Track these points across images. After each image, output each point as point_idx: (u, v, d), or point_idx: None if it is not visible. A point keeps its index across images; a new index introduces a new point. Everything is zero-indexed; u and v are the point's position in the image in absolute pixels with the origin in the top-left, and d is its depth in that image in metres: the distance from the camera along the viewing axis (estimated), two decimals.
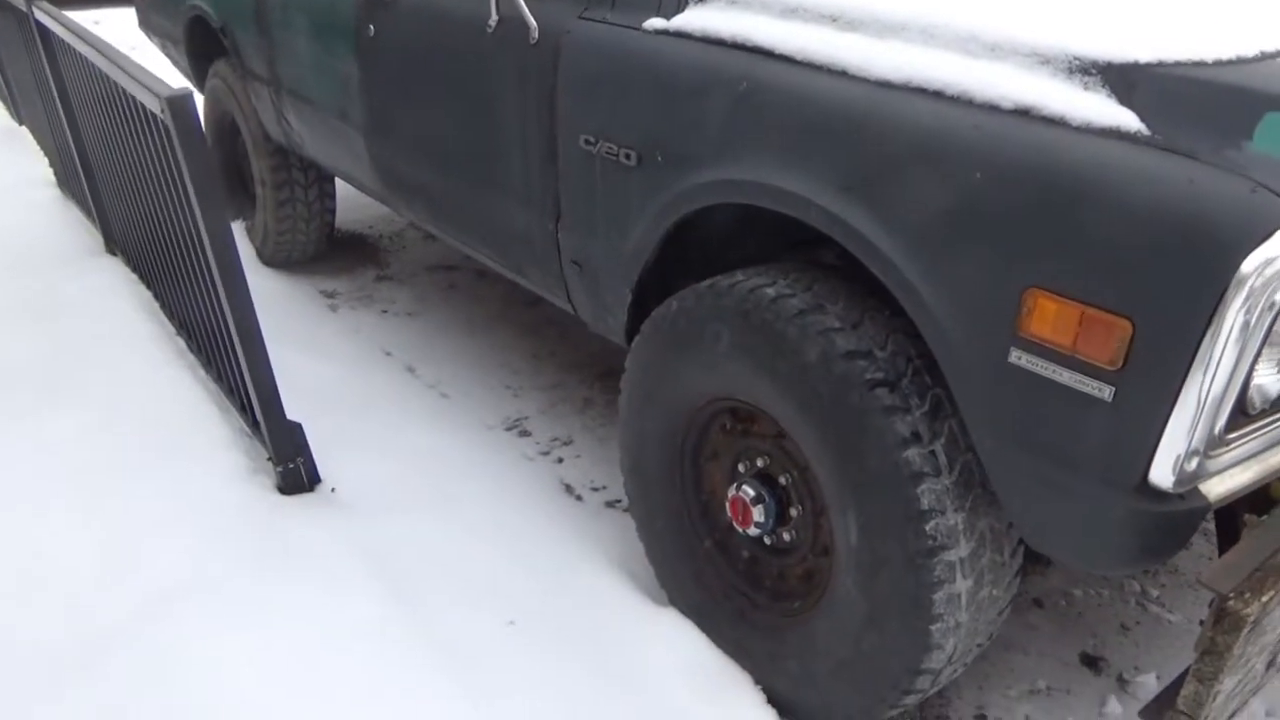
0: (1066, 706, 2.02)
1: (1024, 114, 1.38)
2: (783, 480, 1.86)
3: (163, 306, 3.22)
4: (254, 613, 2.01)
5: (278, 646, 1.93)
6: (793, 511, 1.86)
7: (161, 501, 2.34)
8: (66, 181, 4.27)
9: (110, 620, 1.99)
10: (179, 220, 2.41)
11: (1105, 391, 1.29)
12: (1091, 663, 2.13)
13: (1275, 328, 1.23)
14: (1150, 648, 2.18)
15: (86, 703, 1.82)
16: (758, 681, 1.96)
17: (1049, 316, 1.32)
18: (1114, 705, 2.01)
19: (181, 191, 2.24)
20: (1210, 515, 1.50)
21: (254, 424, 2.50)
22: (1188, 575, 2.41)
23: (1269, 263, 1.16)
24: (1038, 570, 2.39)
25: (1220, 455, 1.31)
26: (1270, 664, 1.42)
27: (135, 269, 3.51)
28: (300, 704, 1.80)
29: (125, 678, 1.87)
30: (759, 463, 1.90)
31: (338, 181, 3.81)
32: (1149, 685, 2.06)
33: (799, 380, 1.66)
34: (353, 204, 4.49)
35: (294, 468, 2.42)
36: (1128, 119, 1.31)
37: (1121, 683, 2.08)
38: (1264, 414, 1.35)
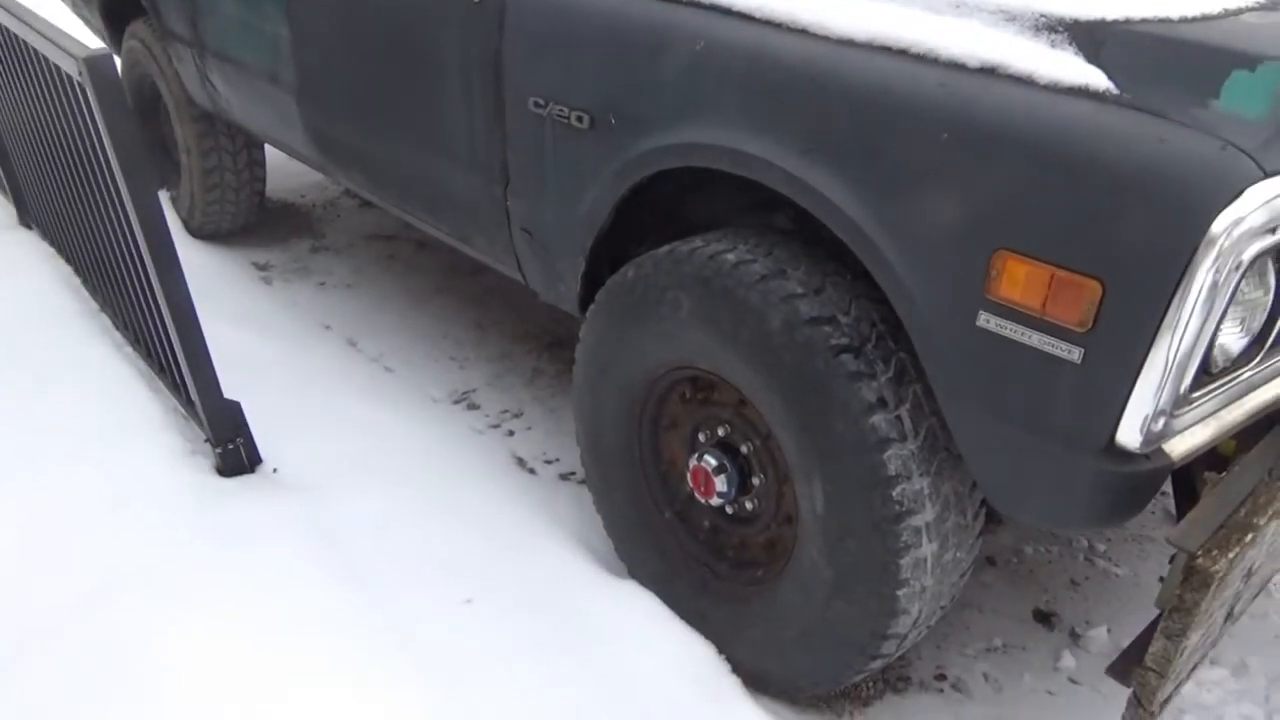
0: (1023, 662, 2.06)
1: (990, 72, 1.36)
2: (744, 449, 1.84)
3: (84, 282, 3.06)
4: (197, 599, 1.93)
5: (225, 634, 1.85)
6: (755, 480, 1.84)
7: (92, 488, 2.22)
8: None
9: (39, 618, 1.88)
10: (101, 191, 2.28)
11: (1074, 353, 1.29)
12: (1044, 618, 2.17)
13: (1240, 287, 1.24)
14: (1100, 602, 2.23)
15: (19, 698, 1.73)
16: (721, 650, 1.94)
17: (1019, 279, 1.31)
18: (1068, 659, 2.05)
19: (103, 160, 2.11)
20: None
21: (188, 403, 2.39)
22: (1131, 529, 2.46)
23: (1238, 222, 1.16)
24: (989, 529, 2.42)
25: (1184, 414, 1.32)
26: (1228, 616, 1.45)
27: (53, 243, 3.32)
28: (250, 692, 1.74)
29: (60, 671, 1.78)
30: (720, 432, 1.87)
31: (267, 148, 3.65)
32: (1100, 639, 2.10)
33: (762, 347, 1.63)
34: (283, 171, 4.32)
35: (234, 448, 2.32)
36: (1096, 77, 1.29)
37: (1074, 637, 2.12)
38: (1225, 372, 1.36)
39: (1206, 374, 1.32)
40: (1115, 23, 1.34)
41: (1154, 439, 1.30)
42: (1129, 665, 1.35)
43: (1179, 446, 1.36)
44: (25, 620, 1.88)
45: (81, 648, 1.81)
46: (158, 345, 2.44)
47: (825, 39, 1.51)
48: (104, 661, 1.79)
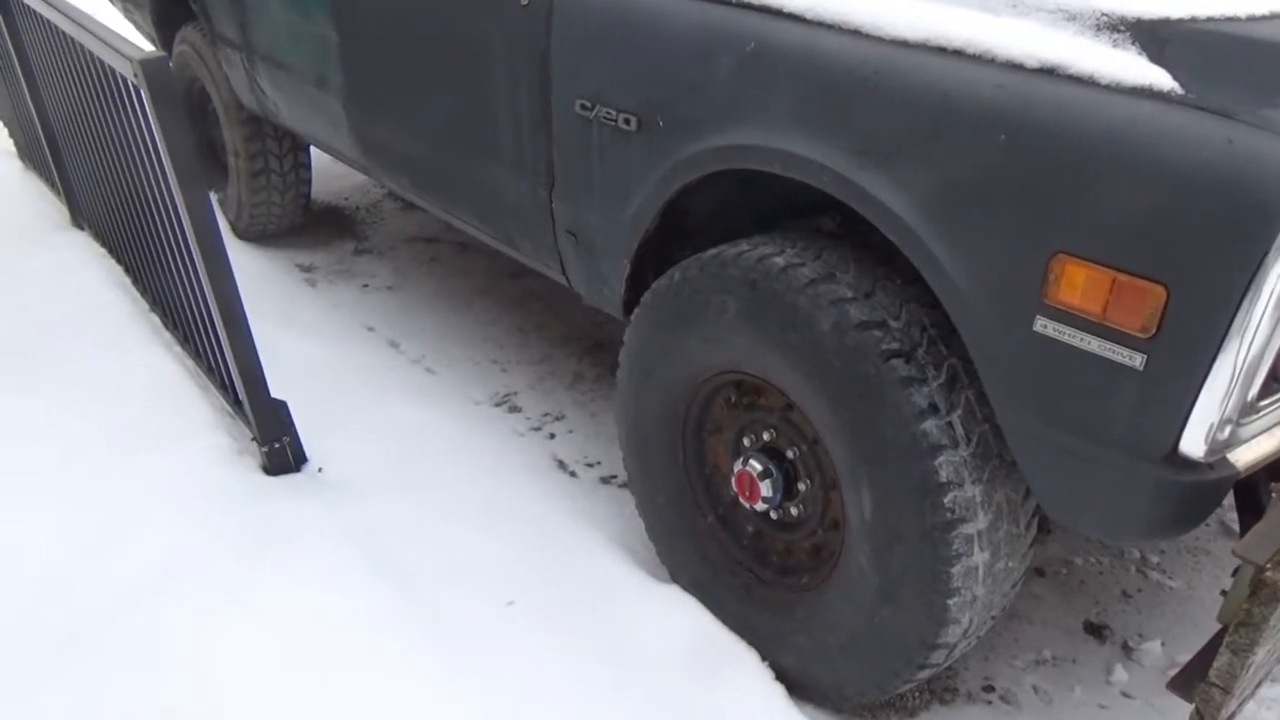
0: (1074, 675, 2.01)
1: (1050, 73, 1.33)
2: (790, 454, 1.82)
3: (135, 282, 3.11)
4: (241, 597, 1.95)
5: (267, 631, 1.87)
6: (801, 486, 1.82)
7: (141, 485, 2.26)
8: (29, 152, 4.11)
9: (89, 610, 1.92)
10: (152, 191, 2.32)
11: (1136, 360, 1.26)
12: (1096, 631, 2.13)
13: None
14: (1153, 615, 2.18)
15: (65, 694, 1.76)
16: (765, 657, 1.92)
17: (1078, 283, 1.28)
18: (1120, 673, 2.00)
19: (155, 161, 2.14)
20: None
21: (236, 403, 2.42)
22: (1186, 541, 2.40)
23: None
24: (1038, 538, 2.37)
25: (1250, 423, 1.29)
26: None
27: (104, 243, 3.39)
28: (291, 689, 1.75)
29: (107, 667, 1.80)
30: (765, 436, 1.85)
31: (312, 151, 3.69)
32: (1154, 652, 2.05)
33: (811, 352, 1.61)
34: (328, 174, 4.37)
35: (280, 447, 2.34)
36: (1159, 77, 1.26)
37: (1126, 650, 2.08)
38: None
39: (1275, 381, 1.28)
40: (1180, 21, 1.31)
41: (1219, 448, 1.27)
42: (1191, 680, 1.31)
43: (1244, 456, 1.32)
44: (75, 612, 1.91)
45: (128, 641, 1.84)
46: (206, 345, 2.48)
47: (878, 40, 1.49)
48: (149, 654, 1.82)
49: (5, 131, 4.47)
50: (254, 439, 2.37)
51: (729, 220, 2.00)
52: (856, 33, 1.52)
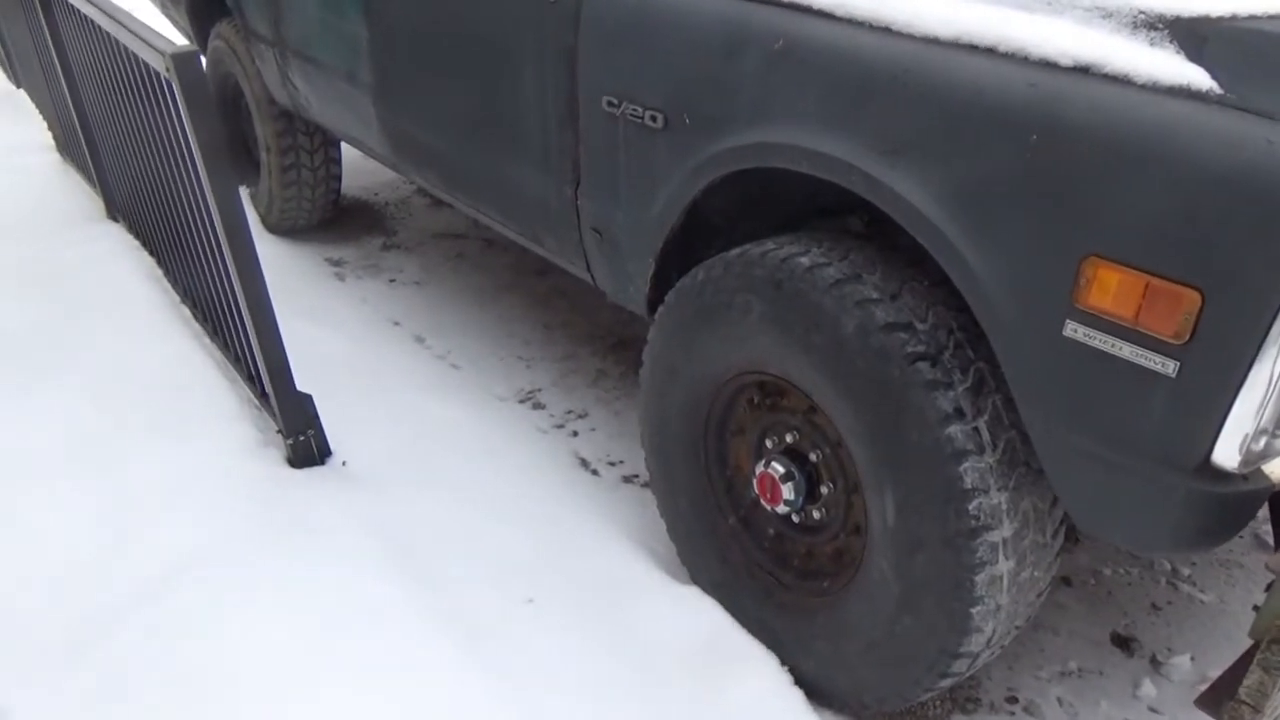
0: (1100, 689, 1.97)
1: (1084, 71, 1.30)
2: (813, 457, 1.80)
3: (166, 273, 3.15)
4: (262, 589, 1.96)
5: (286, 623, 1.88)
6: (823, 489, 1.80)
7: (166, 474, 2.28)
8: (67, 146, 4.17)
9: (112, 597, 1.94)
10: (184, 185, 2.34)
11: (1169, 367, 1.23)
12: (1123, 643, 2.08)
13: None
14: (1183, 628, 2.13)
15: (86, 680, 1.78)
16: (784, 662, 1.90)
17: (1110, 287, 1.25)
18: (1148, 687, 1.96)
19: (187, 155, 2.16)
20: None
21: (262, 395, 2.44)
22: (1218, 554, 2.35)
23: None
24: (1065, 547, 2.33)
25: None
26: None
27: (137, 235, 3.43)
28: (309, 681, 1.75)
29: (127, 655, 1.82)
30: (788, 438, 1.83)
31: (343, 146, 3.72)
32: (1184, 667, 2.01)
33: (835, 353, 1.59)
34: (357, 170, 4.40)
35: (304, 440, 2.35)
36: (1198, 76, 1.23)
37: (1155, 664, 2.03)
38: None
39: None
40: (1219, 19, 1.28)
41: (1253, 459, 1.23)
42: (1221, 697, 1.28)
43: None
44: (98, 599, 1.93)
45: (150, 628, 1.86)
46: (234, 337, 2.50)
47: (909, 37, 1.47)
48: (171, 642, 1.83)
49: (45, 125, 4.55)
50: (279, 431, 2.38)
51: (754, 219, 1.99)
52: (887, 30, 1.50)
